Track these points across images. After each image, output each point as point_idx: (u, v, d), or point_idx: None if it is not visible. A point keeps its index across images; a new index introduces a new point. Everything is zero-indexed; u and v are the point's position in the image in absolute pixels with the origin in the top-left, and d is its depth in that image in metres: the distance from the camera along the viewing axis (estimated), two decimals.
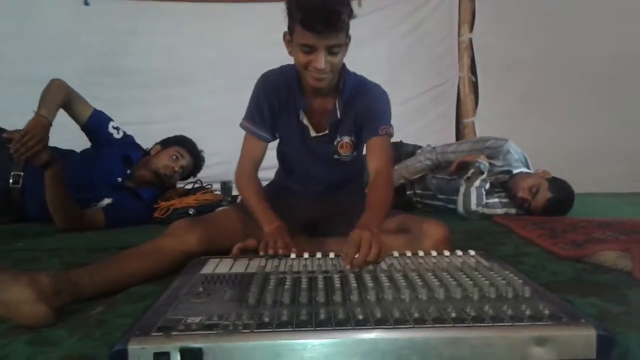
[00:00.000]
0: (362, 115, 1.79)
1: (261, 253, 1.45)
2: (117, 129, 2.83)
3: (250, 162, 1.80)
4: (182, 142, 2.99)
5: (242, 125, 1.83)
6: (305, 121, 1.79)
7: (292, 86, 1.76)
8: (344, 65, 1.75)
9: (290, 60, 1.82)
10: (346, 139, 1.83)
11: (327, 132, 1.81)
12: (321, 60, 1.55)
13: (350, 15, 1.55)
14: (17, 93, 3.81)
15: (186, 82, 4.52)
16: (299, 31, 1.53)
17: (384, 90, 1.84)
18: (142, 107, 4.48)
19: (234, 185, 3.64)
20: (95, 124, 2.72)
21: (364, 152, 1.88)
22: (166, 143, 2.97)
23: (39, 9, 4.10)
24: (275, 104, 1.78)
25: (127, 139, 2.89)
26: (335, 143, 1.83)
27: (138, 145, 2.98)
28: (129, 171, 2.81)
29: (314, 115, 1.79)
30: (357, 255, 1.26)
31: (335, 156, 1.85)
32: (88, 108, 2.69)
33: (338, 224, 1.75)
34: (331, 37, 1.53)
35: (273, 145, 1.92)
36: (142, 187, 2.83)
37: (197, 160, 3.02)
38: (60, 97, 2.47)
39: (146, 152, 2.95)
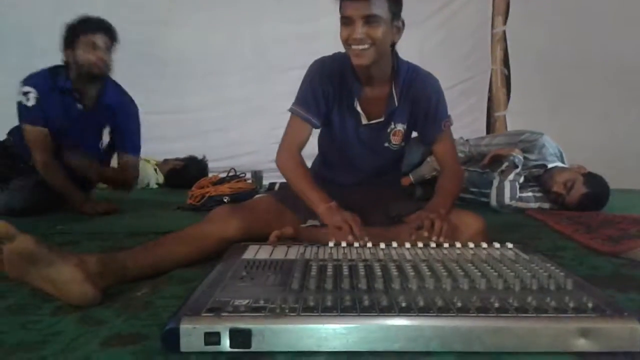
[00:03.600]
0: (421, 112, 1.82)
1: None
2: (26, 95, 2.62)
3: (295, 145, 1.80)
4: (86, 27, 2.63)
5: (292, 110, 1.82)
6: (358, 108, 1.80)
7: (347, 74, 1.76)
8: (396, 53, 1.76)
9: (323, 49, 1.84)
10: (400, 127, 1.84)
11: (381, 119, 1.81)
12: (357, 30, 1.57)
13: None
14: None
15: (218, 72, 4.58)
16: (341, 5, 1.60)
17: (436, 78, 1.85)
18: (175, 96, 4.56)
19: (264, 175, 3.71)
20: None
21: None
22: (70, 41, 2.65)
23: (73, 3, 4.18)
24: (330, 91, 1.78)
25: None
26: (388, 130, 1.84)
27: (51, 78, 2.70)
28: (80, 106, 2.69)
29: (368, 102, 1.79)
30: (425, 234, 1.46)
31: (386, 144, 1.86)
32: None
33: (375, 214, 1.77)
34: (366, 6, 1.56)
35: (315, 133, 1.91)
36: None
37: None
38: None
39: (60, 66, 2.70)
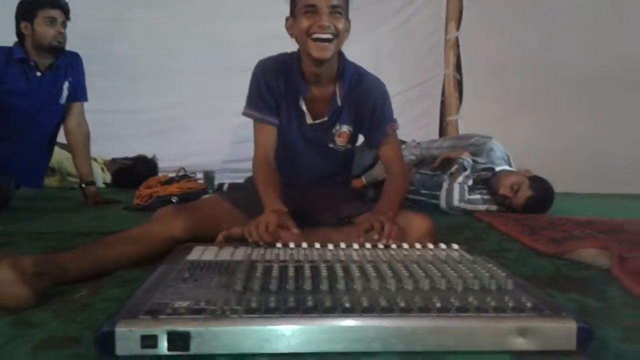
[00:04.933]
0: (366, 114, 1.82)
1: (246, 235, 1.44)
2: None
3: (262, 151, 1.78)
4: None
5: (246, 114, 1.81)
6: (303, 107, 1.79)
7: (292, 73, 1.76)
8: (342, 53, 1.76)
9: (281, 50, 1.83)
10: (344, 129, 1.84)
11: (325, 119, 1.81)
12: (324, 18, 1.58)
13: None
14: None
15: (174, 71, 4.51)
16: None
17: (382, 82, 1.87)
18: (131, 96, 4.47)
19: (216, 175, 3.66)
20: None
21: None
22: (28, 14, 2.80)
23: None
24: (275, 86, 1.78)
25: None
26: (333, 131, 1.84)
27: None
28: (39, 72, 2.87)
29: (313, 102, 1.79)
30: (375, 236, 1.45)
31: (331, 145, 1.86)
32: None
33: (324, 215, 1.77)
34: None
35: None
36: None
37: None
38: None
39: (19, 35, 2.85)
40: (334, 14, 1.60)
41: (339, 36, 1.63)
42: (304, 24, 1.61)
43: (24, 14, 2.79)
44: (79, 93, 3.03)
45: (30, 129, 2.85)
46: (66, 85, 2.95)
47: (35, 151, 2.94)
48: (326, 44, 1.61)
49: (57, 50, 2.84)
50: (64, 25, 2.83)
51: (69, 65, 2.96)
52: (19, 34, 2.82)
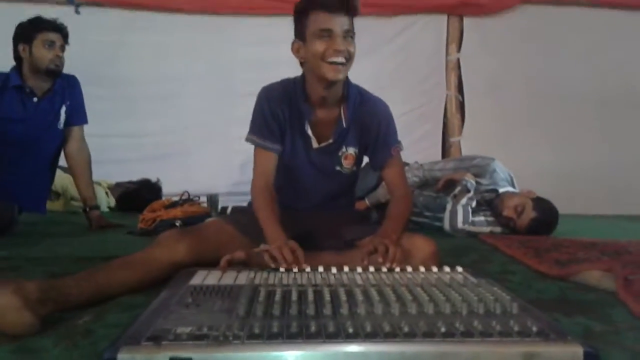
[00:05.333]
0: (371, 136, 1.84)
1: (266, 259, 1.44)
2: None
3: (262, 177, 1.78)
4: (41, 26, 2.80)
5: (249, 140, 1.81)
6: (309, 132, 1.80)
7: (296, 98, 1.77)
8: (346, 76, 1.77)
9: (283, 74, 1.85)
10: (351, 151, 1.85)
11: (331, 141, 1.82)
12: (339, 42, 1.60)
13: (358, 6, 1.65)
14: None
15: (176, 95, 4.52)
16: (315, 19, 1.61)
17: (386, 104, 1.88)
18: (132, 119, 4.48)
19: (220, 198, 3.66)
20: None
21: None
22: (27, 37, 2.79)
23: (28, 16, 4.09)
24: (280, 114, 1.78)
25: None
26: (339, 154, 1.84)
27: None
28: (35, 98, 2.84)
29: (318, 125, 1.80)
30: (379, 259, 1.44)
31: (337, 167, 1.86)
32: None
33: (327, 239, 1.76)
34: (346, 21, 1.61)
35: None
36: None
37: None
38: None
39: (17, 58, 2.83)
40: (346, 37, 1.62)
41: (351, 59, 1.65)
42: (319, 48, 1.62)
43: (23, 36, 2.78)
44: (77, 116, 3.00)
45: (30, 156, 2.82)
46: (63, 109, 2.92)
47: (36, 176, 2.92)
48: (340, 66, 1.63)
49: (55, 74, 2.82)
50: (62, 48, 2.82)
51: (65, 89, 2.93)
52: (17, 57, 2.81)
